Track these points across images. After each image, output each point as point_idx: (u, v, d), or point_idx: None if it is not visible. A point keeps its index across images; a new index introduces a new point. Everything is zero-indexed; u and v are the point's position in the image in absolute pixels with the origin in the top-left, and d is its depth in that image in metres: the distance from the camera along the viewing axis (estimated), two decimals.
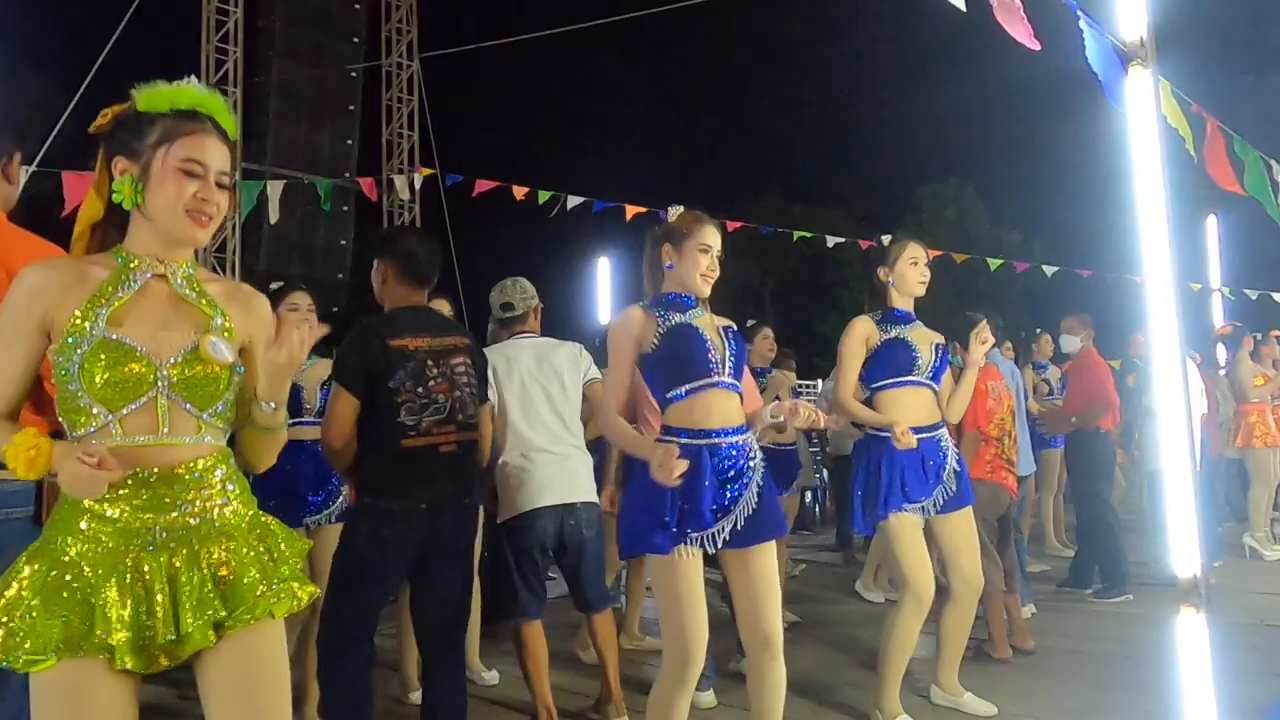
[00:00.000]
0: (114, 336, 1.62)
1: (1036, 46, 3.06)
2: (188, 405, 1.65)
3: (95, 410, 1.60)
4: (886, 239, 3.63)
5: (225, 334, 1.72)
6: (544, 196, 9.60)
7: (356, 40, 13.10)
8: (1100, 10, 2.86)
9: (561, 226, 11.30)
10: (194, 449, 1.66)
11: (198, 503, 1.64)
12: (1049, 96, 18.58)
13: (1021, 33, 3.01)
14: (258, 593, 1.66)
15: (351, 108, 13.20)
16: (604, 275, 12.13)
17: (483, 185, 9.43)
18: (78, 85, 8.22)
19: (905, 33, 26.41)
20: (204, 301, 1.74)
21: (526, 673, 3.56)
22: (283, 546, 1.75)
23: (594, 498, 3.64)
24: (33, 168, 6.75)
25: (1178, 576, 2.60)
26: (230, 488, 1.71)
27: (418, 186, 12.44)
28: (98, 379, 1.59)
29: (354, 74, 13.09)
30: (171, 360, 1.64)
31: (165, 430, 1.64)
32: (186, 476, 1.64)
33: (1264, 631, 4.82)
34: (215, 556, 1.65)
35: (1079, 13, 2.80)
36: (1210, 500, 6.30)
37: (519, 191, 9.45)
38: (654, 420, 2.69)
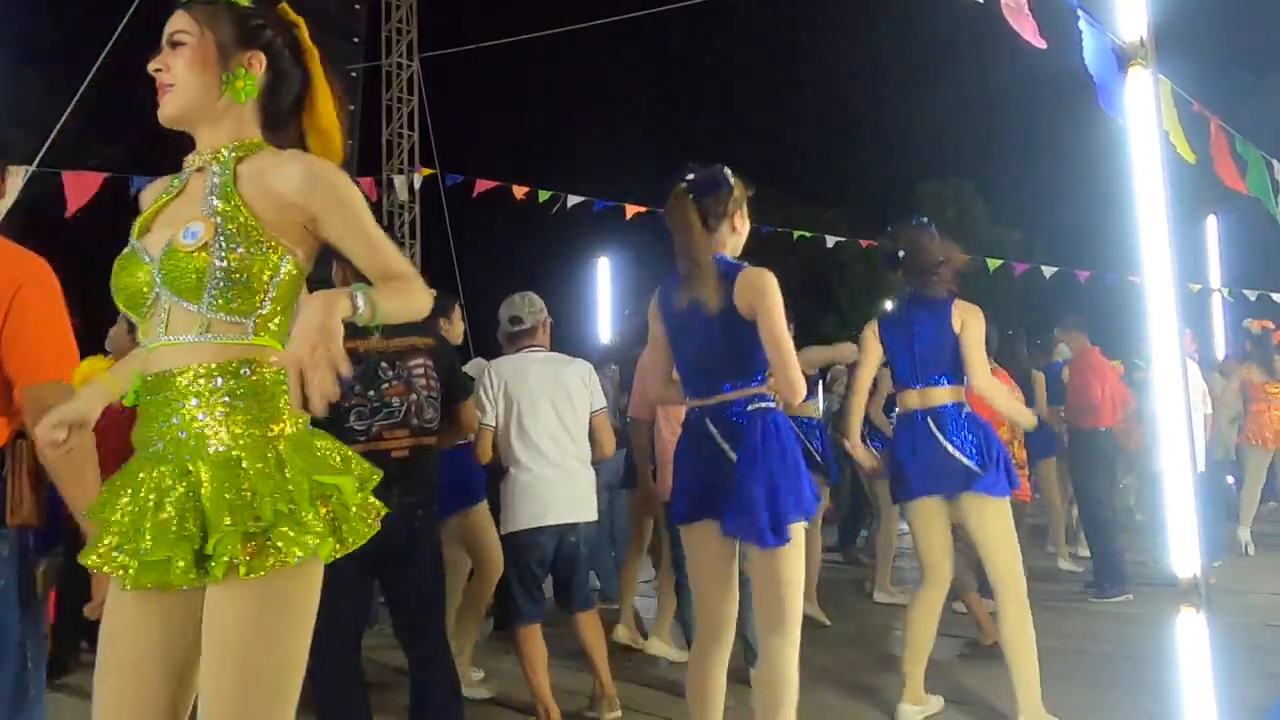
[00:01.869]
0: (133, 243, 1.61)
1: (1042, 44, 3.06)
2: (180, 300, 1.53)
3: (132, 319, 1.63)
4: (925, 220, 3.73)
5: (216, 217, 1.55)
6: (544, 196, 9.60)
7: (356, 40, 13.10)
8: (1100, 10, 2.86)
9: (561, 226, 11.32)
10: (193, 351, 1.52)
11: (187, 415, 1.50)
12: (1049, 96, 18.57)
13: (1028, 30, 3.01)
14: (226, 533, 1.45)
15: (351, 108, 13.19)
16: (604, 275, 12.12)
17: (483, 185, 9.43)
18: (78, 85, 8.21)
19: (905, 33, 26.40)
20: (223, 186, 1.58)
21: (526, 674, 3.58)
22: (258, 487, 1.47)
23: (594, 515, 3.66)
24: (33, 168, 6.74)
25: (1178, 576, 2.60)
26: (229, 400, 1.51)
27: (418, 186, 12.43)
28: (117, 288, 1.60)
29: (354, 74, 13.09)
30: (159, 256, 1.55)
31: (163, 331, 1.54)
32: (180, 382, 1.51)
33: (1264, 631, 4.82)
34: (200, 479, 1.48)
35: (1080, 12, 2.80)
36: (1210, 500, 6.32)
37: (519, 191, 9.45)
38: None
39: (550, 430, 3.56)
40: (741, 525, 2.56)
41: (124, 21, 8.84)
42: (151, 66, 1.62)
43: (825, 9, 27.09)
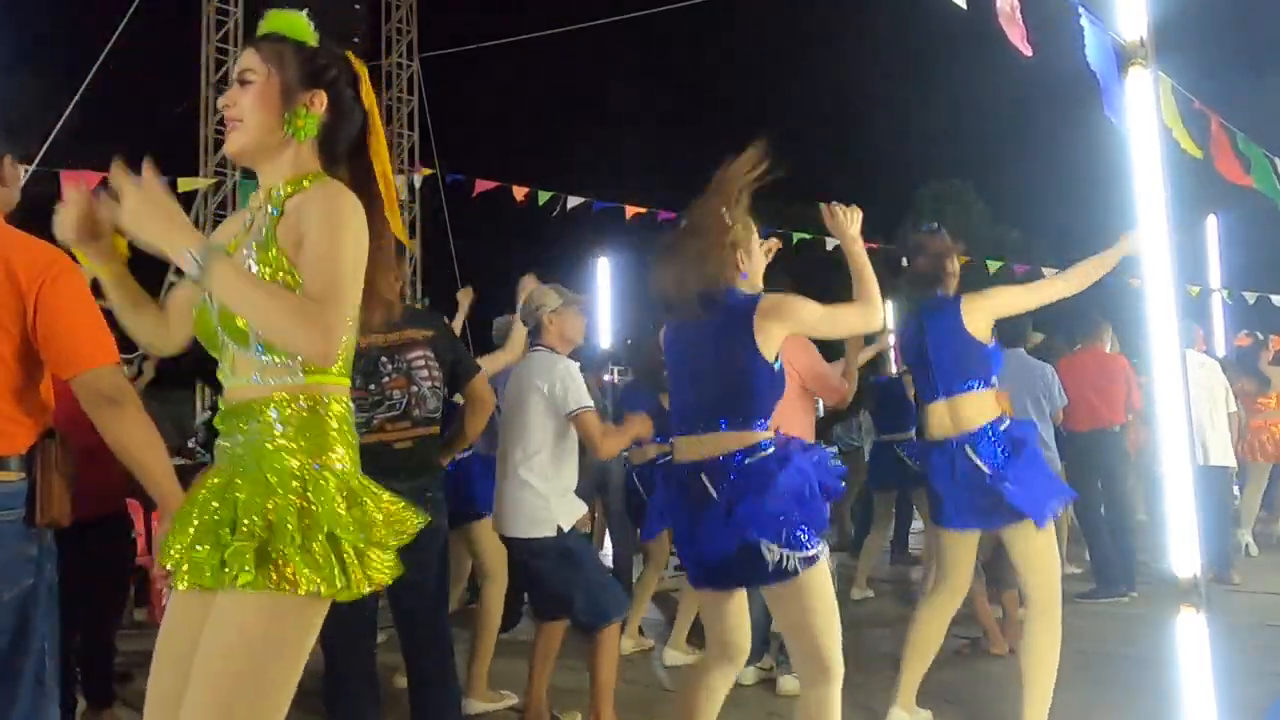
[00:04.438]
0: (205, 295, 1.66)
1: (1028, 52, 3.06)
2: (237, 345, 1.61)
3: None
4: (935, 225, 3.57)
5: (253, 266, 1.60)
6: (544, 197, 9.59)
7: (356, 40, 13.12)
8: (1100, 10, 2.86)
9: (561, 226, 11.31)
10: (258, 390, 1.60)
11: (249, 434, 1.59)
12: (1050, 96, 18.59)
13: (1016, 36, 3.01)
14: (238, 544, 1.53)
15: None
16: (604, 275, 12.12)
17: (482, 185, 9.41)
18: (78, 85, 8.22)
19: (906, 33, 26.43)
20: (267, 232, 1.63)
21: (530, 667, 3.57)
22: (281, 512, 1.54)
23: (530, 533, 3.36)
24: (33, 168, 6.75)
25: (1177, 576, 2.60)
26: (280, 429, 1.58)
27: (418, 186, 12.44)
28: (196, 333, 1.71)
29: None
30: (218, 303, 1.61)
31: (229, 372, 1.64)
32: (247, 409, 1.61)
33: (1264, 631, 4.82)
34: (239, 494, 1.56)
35: (1081, 10, 2.79)
36: (1221, 502, 6.33)
37: (519, 191, 9.43)
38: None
39: (507, 440, 3.46)
40: (753, 574, 2.44)
41: (124, 21, 8.85)
42: (221, 103, 1.69)
43: (825, 10, 27.12)
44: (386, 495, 1.68)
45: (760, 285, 2.68)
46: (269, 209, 1.66)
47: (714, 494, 2.42)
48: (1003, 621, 4.54)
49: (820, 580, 2.44)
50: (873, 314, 2.58)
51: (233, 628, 1.52)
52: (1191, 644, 2.50)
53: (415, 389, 2.98)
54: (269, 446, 1.58)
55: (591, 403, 3.42)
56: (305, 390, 1.60)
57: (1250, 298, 12.47)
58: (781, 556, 2.36)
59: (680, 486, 2.52)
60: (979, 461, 3.19)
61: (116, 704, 3.78)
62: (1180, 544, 2.61)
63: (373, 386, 2.91)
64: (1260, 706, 3.35)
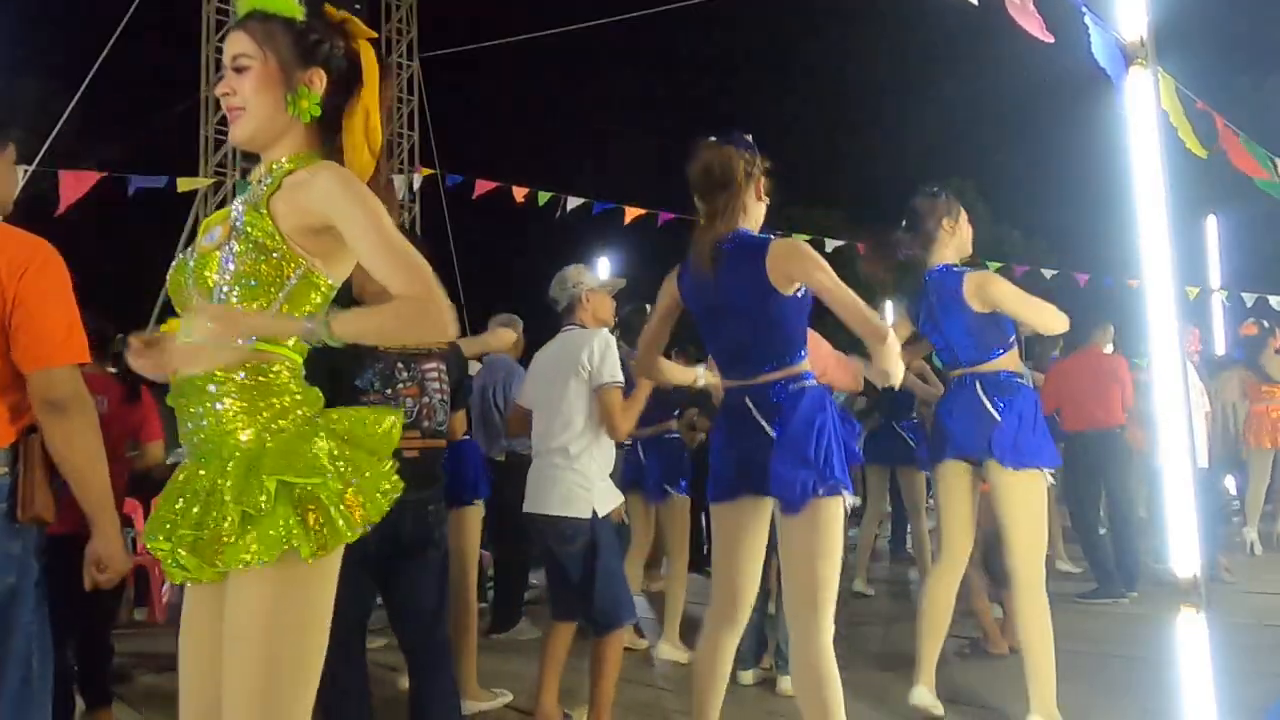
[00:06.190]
0: (188, 252, 1.67)
1: (1050, 39, 3.05)
2: (199, 297, 1.60)
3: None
4: (935, 189, 3.54)
5: (237, 222, 1.59)
6: (544, 197, 9.58)
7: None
8: (1101, 11, 2.86)
9: (561, 227, 11.30)
10: (207, 354, 1.56)
11: (205, 418, 1.57)
12: (1051, 96, 18.61)
13: (1034, 26, 3.01)
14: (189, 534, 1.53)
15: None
16: (604, 276, 12.13)
17: (483, 185, 9.40)
18: (78, 85, 8.21)
19: (906, 32, 26.42)
20: (261, 196, 1.62)
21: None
22: (226, 498, 1.51)
23: (564, 511, 3.31)
24: (32, 168, 6.75)
25: (1178, 576, 2.60)
26: (223, 405, 1.56)
27: (417, 186, 12.44)
28: (168, 287, 1.69)
29: None
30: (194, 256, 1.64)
31: (186, 331, 1.57)
32: (197, 383, 1.58)
33: (1264, 631, 4.81)
34: (205, 479, 1.55)
35: (1084, 9, 2.80)
36: (1211, 498, 6.31)
37: (519, 192, 9.42)
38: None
39: (544, 419, 3.46)
40: (780, 485, 2.49)
41: (124, 21, 8.86)
42: (219, 91, 1.67)
43: (826, 10, 27.12)
44: (367, 415, 1.65)
45: (758, 228, 2.69)
46: (266, 179, 1.65)
47: (756, 415, 2.54)
48: (1002, 622, 4.53)
49: (833, 513, 2.50)
50: (890, 353, 2.44)
51: (245, 611, 1.52)
52: (1191, 644, 2.51)
53: (427, 400, 2.96)
54: (220, 428, 1.56)
55: (622, 380, 3.38)
56: (256, 358, 1.59)
57: (1249, 299, 12.47)
58: (806, 477, 2.45)
59: (728, 410, 2.65)
60: (985, 399, 3.34)
61: (115, 704, 3.78)
62: (1180, 544, 2.61)
63: (388, 391, 2.90)
64: (1260, 706, 3.35)
